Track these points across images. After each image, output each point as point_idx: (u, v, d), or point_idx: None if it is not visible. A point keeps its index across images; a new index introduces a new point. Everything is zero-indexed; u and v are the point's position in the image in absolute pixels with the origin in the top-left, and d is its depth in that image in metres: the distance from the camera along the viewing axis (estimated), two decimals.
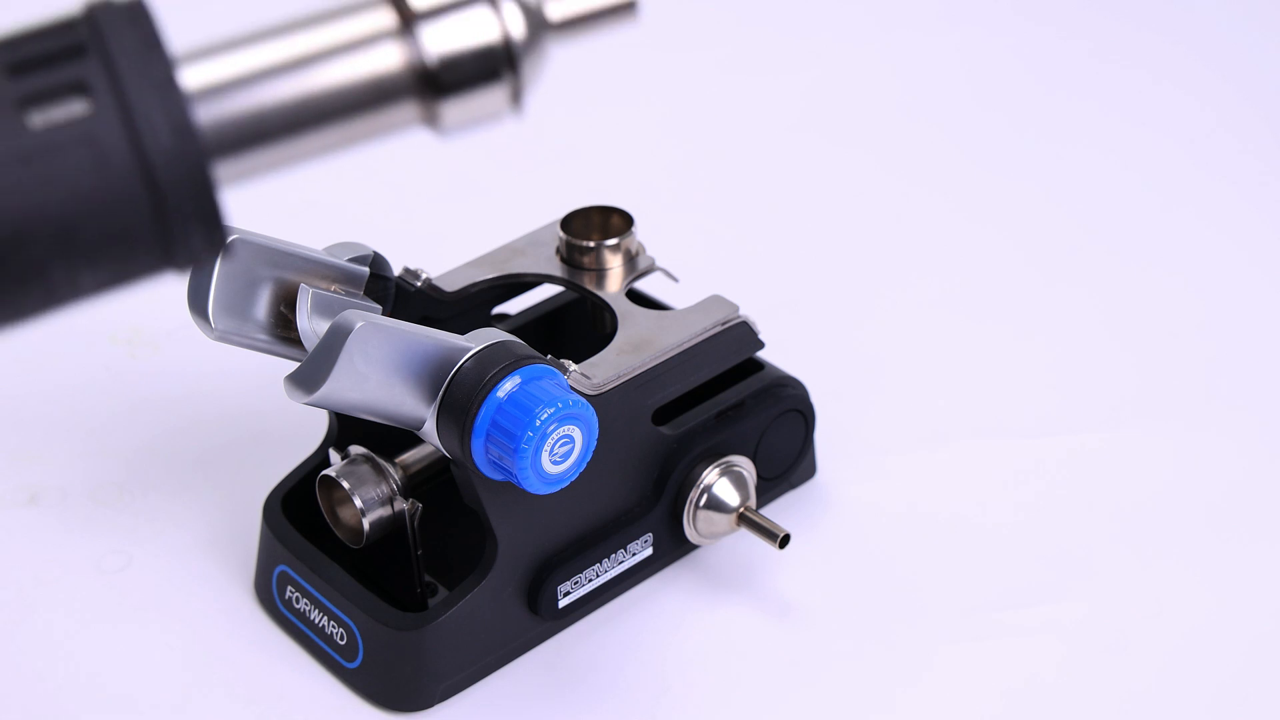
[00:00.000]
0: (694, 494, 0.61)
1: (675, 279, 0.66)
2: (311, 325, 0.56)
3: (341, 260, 0.59)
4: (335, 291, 0.58)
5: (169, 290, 0.69)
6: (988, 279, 0.81)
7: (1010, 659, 0.60)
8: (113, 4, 0.32)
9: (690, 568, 0.63)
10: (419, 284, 0.63)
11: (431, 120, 0.35)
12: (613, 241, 0.64)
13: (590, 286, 0.63)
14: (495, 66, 0.34)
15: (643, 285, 0.66)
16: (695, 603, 0.62)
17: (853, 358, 0.75)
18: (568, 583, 0.59)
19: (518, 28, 0.35)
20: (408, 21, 0.34)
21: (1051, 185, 0.88)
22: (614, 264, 0.64)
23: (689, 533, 0.62)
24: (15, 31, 0.32)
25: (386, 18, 0.34)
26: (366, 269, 0.59)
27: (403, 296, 0.62)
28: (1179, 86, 0.96)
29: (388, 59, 0.34)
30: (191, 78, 0.33)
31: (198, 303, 0.56)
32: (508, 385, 0.52)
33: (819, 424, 0.67)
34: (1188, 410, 0.72)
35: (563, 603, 0.59)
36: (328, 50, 0.34)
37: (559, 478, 0.53)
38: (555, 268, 0.64)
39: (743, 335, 0.62)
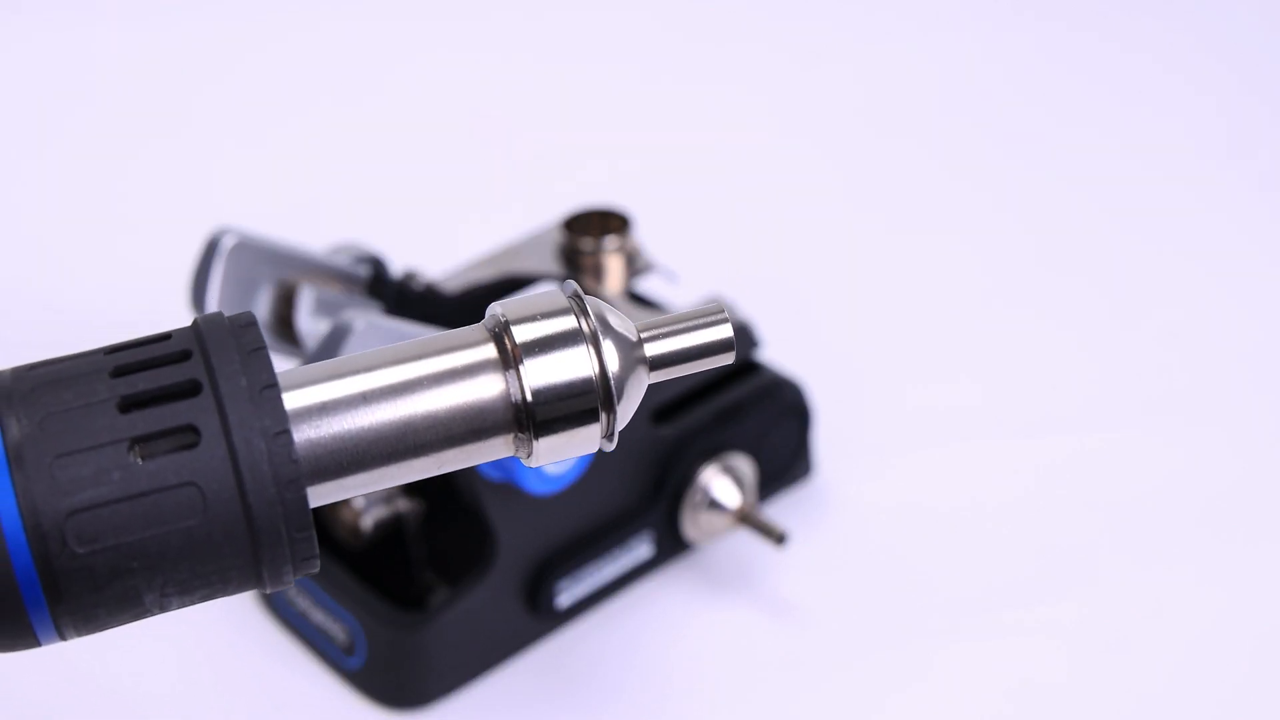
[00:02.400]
0: (693, 494, 0.61)
1: (675, 279, 0.66)
2: (312, 325, 0.56)
3: (341, 260, 0.59)
4: (335, 291, 0.58)
5: (169, 291, 0.69)
6: (987, 279, 0.81)
7: (1010, 658, 0.60)
8: (222, 324, 0.32)
9: (690, 568, 0.63)
10: (419, 284, 0.63)
11: (522, 452, 0.35)
12: (612, 243, 0.64)
13: (590, 287, 0.64)
14: (592, 407, 0.34)
15: (643, 285, 0.66)
16: (695, 603, 0.62)
17: (853, 358, 0.75)
18: (567, 581, 0.59)
19: (615, 368, 0.35)
20: (510, 360, 0.34)
21: (1052, 187, 0.88)
22: (613, 265, 0.64)
23: (688, 532, 0.62)
24: (126, 354, 0.32)
25: (489, 353, 0.34)
26: (366, 269, 0.59)
27: (403, 297, 0.62)
28: (1193, 84, 0.96)
29: (488, 395, 0.34)
30: (295, 407, 0.33)
31: (198, 303, 0.56)
32: None
33: (819, 424, 0.67)
34: (1187, 409, 0.72)
35: (562, 603, 0.59)
36: (431, 385, 0.34)
37: (559, 478, 0.53)
38: (555, 268, 0.65)
39: (741, 336, 0.62)
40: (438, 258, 0.68)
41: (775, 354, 0.67)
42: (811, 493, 0.67)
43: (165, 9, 1.02)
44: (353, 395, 0.33)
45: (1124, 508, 0.66)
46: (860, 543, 0.65)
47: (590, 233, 0.64)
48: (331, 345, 0.51)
